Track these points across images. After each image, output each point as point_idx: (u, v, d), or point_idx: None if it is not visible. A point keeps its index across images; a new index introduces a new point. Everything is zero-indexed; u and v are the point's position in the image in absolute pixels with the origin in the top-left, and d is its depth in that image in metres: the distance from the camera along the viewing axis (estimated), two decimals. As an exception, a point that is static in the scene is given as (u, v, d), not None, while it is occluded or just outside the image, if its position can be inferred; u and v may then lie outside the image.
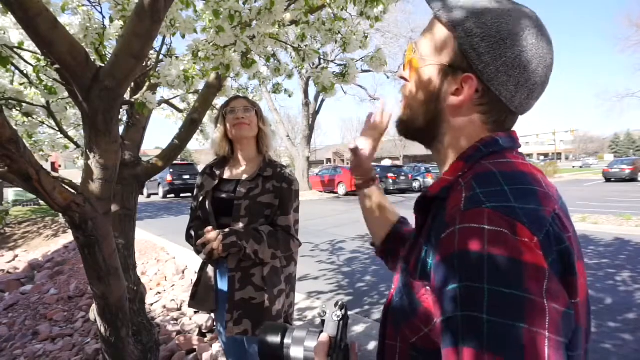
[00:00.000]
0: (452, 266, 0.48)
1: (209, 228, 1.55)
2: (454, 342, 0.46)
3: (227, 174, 1.73)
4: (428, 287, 0.54)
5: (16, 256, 6.80)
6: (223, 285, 1.64)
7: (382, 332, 0.65)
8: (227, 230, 1.55)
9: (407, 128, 0.69)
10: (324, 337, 0.63)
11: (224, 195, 1.67)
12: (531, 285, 0.44)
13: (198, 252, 1.61)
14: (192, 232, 1.69)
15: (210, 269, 1.67)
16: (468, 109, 0.60)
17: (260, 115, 1.75)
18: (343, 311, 0.66)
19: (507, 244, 0.45)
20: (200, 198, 1.70)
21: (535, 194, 0.51)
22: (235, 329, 1.54)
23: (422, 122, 0.66)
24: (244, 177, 1.68)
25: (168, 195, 17.76)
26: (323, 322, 0.66)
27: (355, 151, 0.94)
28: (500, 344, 0.42)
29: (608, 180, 20.51)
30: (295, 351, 0.65)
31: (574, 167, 47.02)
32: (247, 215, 1.60)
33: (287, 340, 0.67)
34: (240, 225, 1.60)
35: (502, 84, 0.57)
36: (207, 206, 1.66)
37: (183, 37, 1.56)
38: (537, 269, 0.45)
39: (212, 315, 2.93)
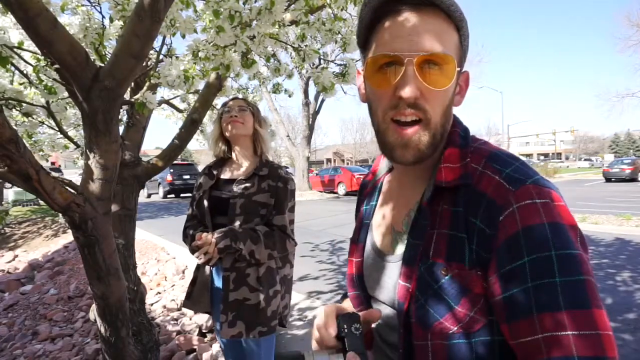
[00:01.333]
0: (519, 244, 0.51)
1: (202, 234, 1.50)
2: (528, 313, 0.49)
3: (225, 174, 1.74)
4: (480, 272, 0.55)
5: (16, 256, 6.80)
6: (220, 284, 1.64)
7: (405, 336, 0.61)
8: (222, 231, 1.53)
9: (427, 153, 0.60)
10: (352, 356, 0.57)
11: (220, 195, 1.68)
12: (576, 242, 0.51)
13: (193, 251, 1.60)
14: (189, 232, 1.69)
15: (207, 268, 1.68)
16: None
17: (257, 117, 1.75)
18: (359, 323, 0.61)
19: (554, 211, 0.52)
20: (198, 197, 1.70)
21: (528, 164, 0.58)
22: (229, 332, 1.53)
23: (439, 137, 0.60)
24: (240, 175, 1.68)
25: (168, 195, 17.75)
26: (343, 339, 0.60)
27: None
28: (573, 300, 0.48)
29: (608, 180, 20.50)
30: None
31: (579, 167, 46.75)
32: (242, 214, 1.60)
33: None
34: (237, 223, 1.59)
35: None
36: (204, 205, 1.66)
37: (183, 37, 1.56)
38: (574, 228, 0.52)
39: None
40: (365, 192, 0.83)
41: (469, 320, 0.55)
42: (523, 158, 0.69)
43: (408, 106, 0.57)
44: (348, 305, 0.79)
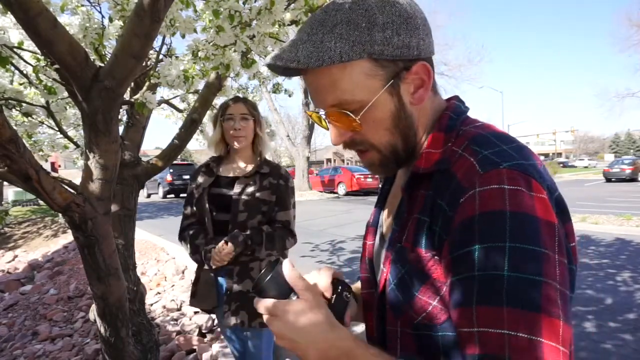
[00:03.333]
0: (472, 229, 0.48)
1: (223, 245, 1.55)
2: (467, 302, 0.47)
3: (225, 172, 1.74)
4: (437, 257, 0.53)
5: (16, 256, 6.80)
6: (222, 280, 1.68)
7: (379, 318, 0.64)
8: (237, 240, 1.56)
9: (394, 164, 0.64)
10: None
11: (220, 192, 1.69)
12: (546, 241, 0.46)
13: (193, 254, 1.66)
14: (189, 233, 1.70)
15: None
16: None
17: (258, 121, 1.75)
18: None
19: (525, 201, 0.47)
20: (198, 195, 1.70)
21: (526, 149, 0.54)
22: (232, 320, 1.59)
23: (402, 145, 0.62)
24: (242, 173, 1.71)
25: (168, 195, 17.76)
26: (331, 299, 0.62)
27: None
28: (518, 298, 0.44)
29: (608, 180, 20.50)
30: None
31: (585, 167, 46.42)
32: (246, 211, 1.64)
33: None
34: (240, 220, 1.63)
35: (426, 46, 0.59)
36: (204, 203, 1.67)
37: (183, 37, 1.56)
38: (550, 225, 0.47)
39: (212, 315, 2.93)
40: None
41: (432, 310, 0.54)
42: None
43: (348, 147, 0.63)
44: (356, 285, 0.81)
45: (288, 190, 1.71)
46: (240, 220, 1.63)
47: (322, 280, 0.64)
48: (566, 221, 0.52)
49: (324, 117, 0.62)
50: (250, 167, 1.72)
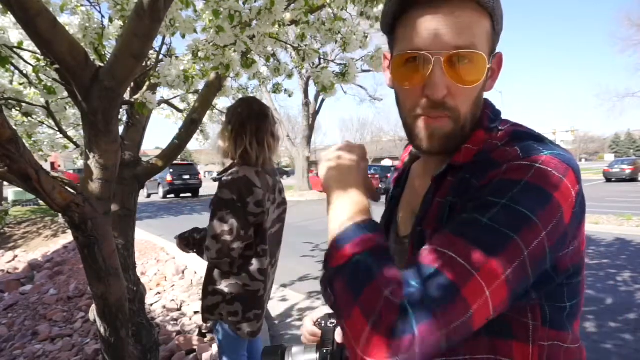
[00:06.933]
0: (486, 187, 0.50)
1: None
2: (446, 229, 0.49)
3: None
4: None
5: (16, 256, 6.80)
6: None
7: None
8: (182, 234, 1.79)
9: (453, 144, 0.60)
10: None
11: None
12: (544, 216, 0.47)
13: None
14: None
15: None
16: None
17: None
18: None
19: (551, 179, 0.48)
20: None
21: (565, 150, 0.54)
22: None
23: (469, 124, 0.59)
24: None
25: (168, 195, 17.76)
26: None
27: None
28: (483, 240, 0.45)
29: (608, 180, 20.49)
30: None
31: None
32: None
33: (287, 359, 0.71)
34: None
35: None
36: None
37: (183, 37, 1.56)
38: (559, 207, 0.48)
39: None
40: (394, 179, 0.83)
41: None
42: None
43: (437, 106, 0.56)
44: None
45: (217, 199, 1.59)
46: None
47: (308, 328, 0.74)
48: (584, 220, 0.54)
49: (440, 59, 0.53)
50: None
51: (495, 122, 0.62)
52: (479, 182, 0.52)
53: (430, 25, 0.53)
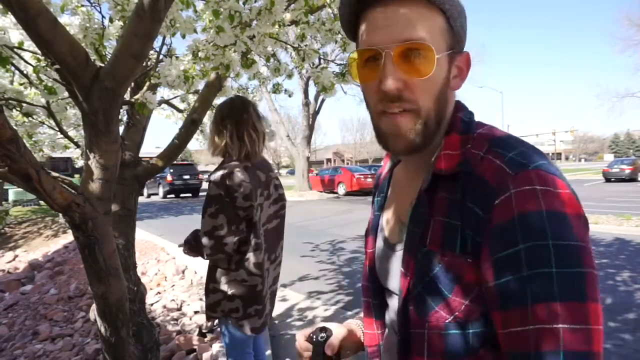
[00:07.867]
0: (514, 230, 0.50)
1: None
2: (521, 302, 0.49)
3: None
4: (469, 259, 0.54)
5: (16, 256, 6.80)
6: None
7: (402, 324, 0.62)
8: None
9: (420, 143, 0.59)
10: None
11: None
12: (579, 233, 0.50)
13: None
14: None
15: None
16: None
17: None
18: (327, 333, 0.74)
19: (555, 199, 0.50)
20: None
21: (538, 149, 0.56)
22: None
23: (434, 122, 0.60)
24: None
25: (168, 195, 17.76)
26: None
27: None
28: (568, 292, 0.47)
29: (608, 180, 20.48)
30: None
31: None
32: None
33: None
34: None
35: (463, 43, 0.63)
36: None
37: (183, 37, 1.56)
38: (579, 216, 0.51)
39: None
40: (378, 183, 0.83)
41: (463, 310, 0.55)
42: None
43: (393, 99, 0.57)
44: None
45: (206, 197, 1.62)
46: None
47: (300, 343, 0.76)
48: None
49: (390, 52, 0.56)
50: None
51: (469, 124, 0.62)
52: (485, 214, 0.53)
53: (378, 23, 0.57)
